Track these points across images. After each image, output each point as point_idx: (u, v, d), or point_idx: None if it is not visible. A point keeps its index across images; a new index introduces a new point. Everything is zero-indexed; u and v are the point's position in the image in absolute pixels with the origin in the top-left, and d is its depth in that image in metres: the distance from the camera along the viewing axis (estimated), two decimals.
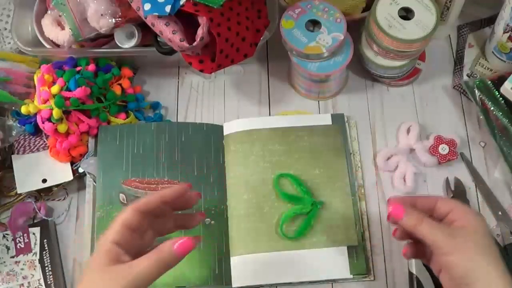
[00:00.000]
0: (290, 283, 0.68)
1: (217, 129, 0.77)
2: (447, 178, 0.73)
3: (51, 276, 0.69)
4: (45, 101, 0.71)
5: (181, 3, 0.64)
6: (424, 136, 0.76)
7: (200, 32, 0.64)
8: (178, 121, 0.79)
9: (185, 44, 0.65)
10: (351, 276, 0.67)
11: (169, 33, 0.65)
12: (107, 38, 0.76)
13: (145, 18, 0.66)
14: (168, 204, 0.55)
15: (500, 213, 0.71)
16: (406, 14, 0.71)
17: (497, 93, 0.74)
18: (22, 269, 0.70)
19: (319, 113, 0.79)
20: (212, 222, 0.70)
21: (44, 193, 0.74)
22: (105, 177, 0.72)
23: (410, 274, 0.67)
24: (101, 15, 0.69)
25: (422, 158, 0.74)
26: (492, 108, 0.74)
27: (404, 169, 0.73)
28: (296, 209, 0.69)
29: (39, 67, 0.75)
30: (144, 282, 0.48)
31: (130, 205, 0.52)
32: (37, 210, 0.73)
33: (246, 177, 0.72)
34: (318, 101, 0.80)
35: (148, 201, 0.53)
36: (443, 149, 0.73)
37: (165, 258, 0.49)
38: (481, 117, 0.75)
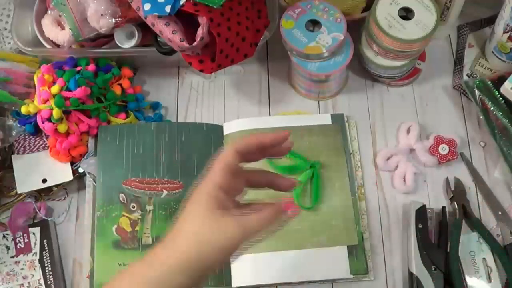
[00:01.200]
0: (290, 283, 0.68)
1: (217, 129, 0.77)
2: (447, 178, 0.73)
3: (51, 276, 0.69)
4: (45, 101, 0.71)
5: (181, 3, 0.64)
6: (424, 136, 0.76)
7: (200, 32, 0.64)
8: (178, 121, 0.79)
9: (185, 44, 0.65)
10: (351, 276, 0.67)
11: (169, 33, 0.65)
12: (107, 38, 0.76)
13: (145, 18, 0.66)
14: (264, 149, 0.51)
15: (500, 213, 0.71)
16: (406, 14, 0.71)
17: (497, 93, 0.74)
18: (22, 269, 0.70)
19: (319, 113, 0.79)
20: None
21: (44, 193, 0.74)
22: (105, 177, 0.72)
23: (410, 274, 0.67)
24: (101, 15, 0.69)
25: (422, 158, 0.74)
26: (492, 108, 0.74)
27: (404, 169, 0.73)
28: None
29: (39, 67, 0.75)
30: (253, 234, 0.47)
31: (231, 145, 0.48)
32: (37, 210, 0.73)
33: None
34: (318, 101, 0.80)
35: (247, 143, 0.49)
36: (443, 149, 0.73)
37: (276, 216, 0.49)
38: (481, 117, 0.75)
